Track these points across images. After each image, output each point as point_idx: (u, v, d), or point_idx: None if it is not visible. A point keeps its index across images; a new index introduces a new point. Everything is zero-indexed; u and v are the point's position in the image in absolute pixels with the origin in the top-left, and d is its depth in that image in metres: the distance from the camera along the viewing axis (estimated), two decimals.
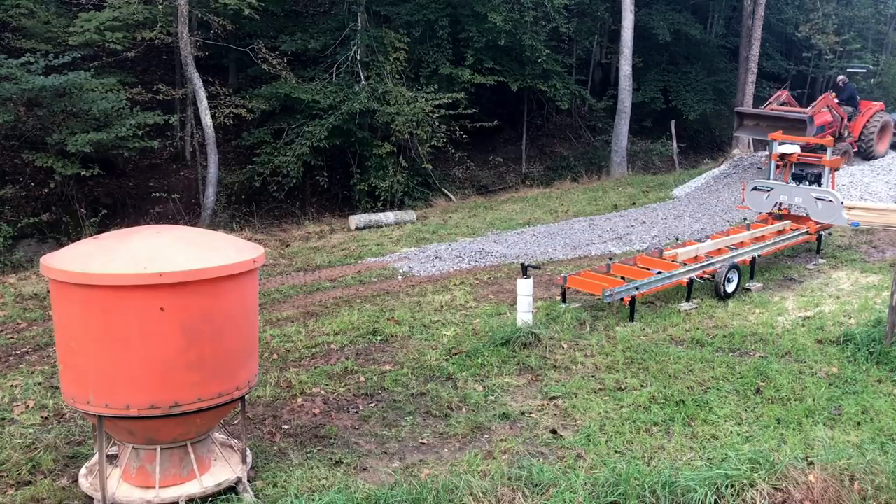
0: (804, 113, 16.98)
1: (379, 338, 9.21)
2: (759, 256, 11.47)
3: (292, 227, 17.78)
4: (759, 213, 13.19)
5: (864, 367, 7.94)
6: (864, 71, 20.57)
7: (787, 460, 5.32)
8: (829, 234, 13.19)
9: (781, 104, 18.63)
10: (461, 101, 21.28)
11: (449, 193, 21.94)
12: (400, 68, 21.33)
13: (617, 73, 26.60)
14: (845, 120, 18.21)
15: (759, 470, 5.15)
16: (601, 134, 28.46)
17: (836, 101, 18.42)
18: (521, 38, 22.89)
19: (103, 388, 5.00)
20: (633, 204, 18.59)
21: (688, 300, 10.31)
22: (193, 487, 5.37)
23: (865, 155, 18.70)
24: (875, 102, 19.48)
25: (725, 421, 6.81)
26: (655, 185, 21.63)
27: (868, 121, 18.83)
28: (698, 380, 7.72)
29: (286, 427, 6.82)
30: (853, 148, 18.55)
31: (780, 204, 12.90)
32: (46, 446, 6.33)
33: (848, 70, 20.08)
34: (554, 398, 7.38)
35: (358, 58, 20.65)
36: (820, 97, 18.19)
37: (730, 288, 10.52)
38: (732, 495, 4.98)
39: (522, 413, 7.07)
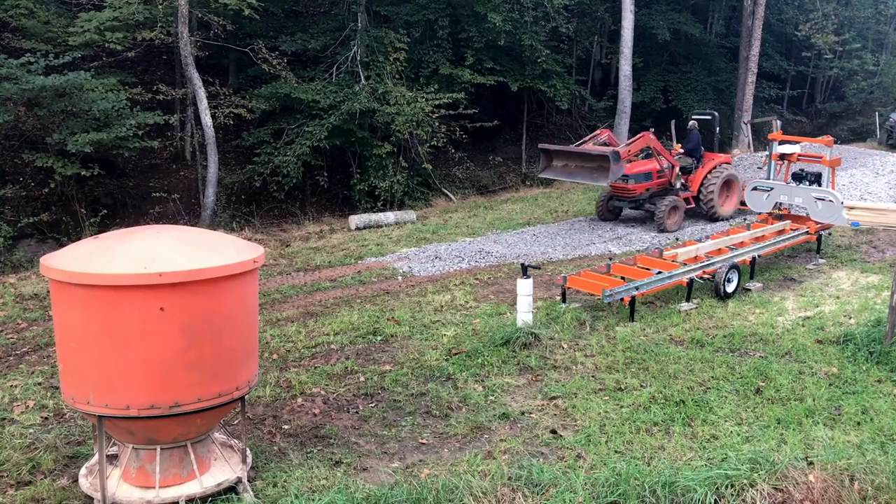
0: (610, 149, 14.26)
1: (379, 338, 9.21)
2: (759, 256, 11.47)
3: (292, 227, 17.78)
4: (760, 213, 13.20)
5: (864, 367, 7.94)
6: (712, 118, 16.50)
7: (787, 460, 5.32)
8: (829, 234, 13.19)
9: (601, 145, 15.10)
10: (461, 101, 21.28)
11: (449, 193, 21.94)
12: (400, 68, 21.33)
13: (617, 73, 26.60)
14: (676, 169, 15.49)
15: (759, 470, 5.15)
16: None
17: (680, 149, 16.10)
18: (520, 38, 22.90)
19: (103, 388, 5.00)
20: None
21: (688, 300, 10.31)
22: (193, 487, 5.37)
23: (707, 214, 15.92)
24: (721, 154, 16.68)
25: (725, 421, 6.81)
26: None
27: (708, 175, 15.89)
28: (698, 380, 7.72)
29: (286, 427, 6.82)
30: (688, 203, 15.77)
31: (780, 204, 12.91)
32: (46, 446, 6.33)
33: (694, 115, 16.84)
34: (554, 398, 7.37)
35: (358, 58, 20.65)
36: (639, 135, 15.18)
37: (730, 288, 10.52)
38: (732, 495, 4.97)
39: (522, 413, 7.07)
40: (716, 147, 16.74)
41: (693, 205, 15.87)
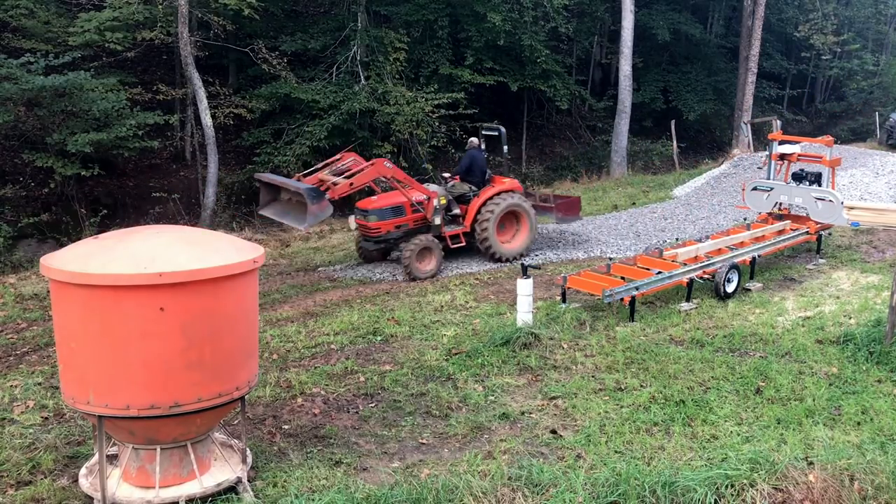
0: (306, 186, 11.30)
1: (379, 338, 9.21)
2: (759, 256, 11.47)
3: (292, 227, 17.75)
4: (760, 213, 13.20)
5: (864, 367, 7.94)
6: (498, 133, 13.20)
7: (787, 460, 5.32)
8: (829, 234, 13.19)
9: (342, 173, 11.91)
10: (461, 101, 21.30)
11: None
12: (400, 68, 21.35)
13: (617, 73, 26.62)
14: (434, 201, 12.24)
15: (759, 470, 5.15)
16: (601, 134, 28.49)
17: (448, 175, 13.25)
18: (520, 37, 22.91)
19: (103, 388, 5.00)
20: (633, 204, 18.59)
21: (688, 300, 10.31)
22: (193, 487, 5.37)
23: (486, 254, 12.81)
24: (508, 180, 13.16)
25: (725, 421, 6.81)
26: (655, 185, 21.64)
27: (482, 206, 12.63)
28: (698, 380, 7.71)
29: (286, 427, 6.82)
30: (458, 241, 12.63)
31: (780, 204, 12.91)
32: (46, 446, 6.33)
33: (484, 132, 13.65)
34: (554, 398, 7.38)
35: (358, 58, 20.67)
36: (368, 163, 11.96)
37: (730, 288, 10.52)
38: (732, 495, 4.98)
39: (522, 413, 7.07)
40: (505, 169, 13.78)
41: (463, 242, 12.68)
